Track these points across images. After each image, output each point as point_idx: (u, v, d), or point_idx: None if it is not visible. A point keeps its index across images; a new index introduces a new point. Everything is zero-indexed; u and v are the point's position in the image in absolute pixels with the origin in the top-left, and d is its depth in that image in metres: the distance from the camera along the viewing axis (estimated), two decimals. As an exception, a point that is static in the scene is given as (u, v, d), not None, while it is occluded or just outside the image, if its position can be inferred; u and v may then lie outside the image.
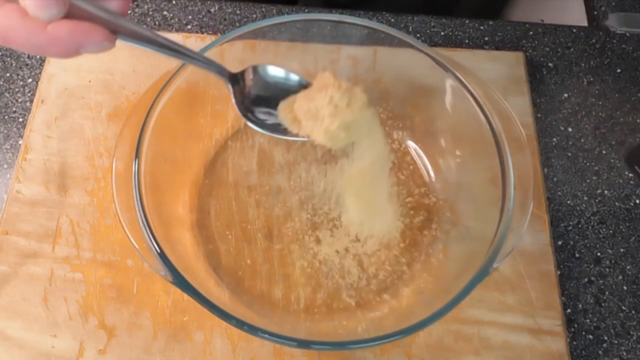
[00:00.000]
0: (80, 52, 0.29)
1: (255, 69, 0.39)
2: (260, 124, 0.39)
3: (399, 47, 0.48)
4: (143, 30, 0.32)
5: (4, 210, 0.50)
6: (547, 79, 0.59)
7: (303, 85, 0.39)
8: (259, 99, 0.38)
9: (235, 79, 0.38)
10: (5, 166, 0.53)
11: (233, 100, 0.37)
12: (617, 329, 0.47)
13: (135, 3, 0.62)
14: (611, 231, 0.51)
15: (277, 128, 0.39)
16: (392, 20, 0.62)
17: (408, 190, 0.51)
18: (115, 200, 0.41)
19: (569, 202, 0.52)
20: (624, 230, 0.51)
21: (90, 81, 0.56)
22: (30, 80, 0.57)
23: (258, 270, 0.47)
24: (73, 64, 0.56)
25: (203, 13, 0.62)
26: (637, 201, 0.52)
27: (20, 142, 0.54)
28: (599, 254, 0.50)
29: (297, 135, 0.39)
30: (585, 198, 0.52)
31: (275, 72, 0.39)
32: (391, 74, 0.52)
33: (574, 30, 0.62)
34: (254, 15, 0.61)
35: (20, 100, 0.56)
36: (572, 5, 0.69)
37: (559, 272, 0.49)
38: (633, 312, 0.48)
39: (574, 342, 0.46)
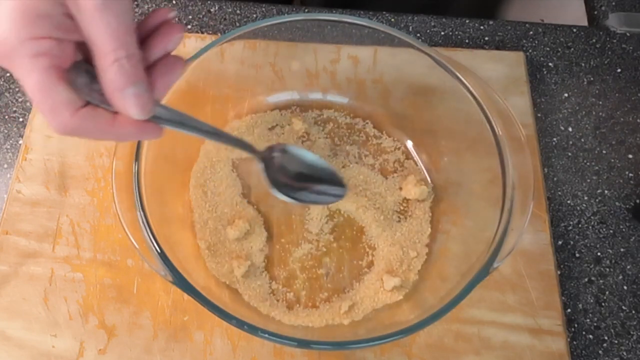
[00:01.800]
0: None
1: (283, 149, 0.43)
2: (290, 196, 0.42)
3: (399, 47, 0.48)
4: (185, 116, 0.35)
5: (4, 210, 0.50)
6: (547, 78, 0.59)
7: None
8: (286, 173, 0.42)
9: (265, 156, 0.41)
10: (6, 166, 0.53)
11: (264, 174, 0.41)
12: (617, 328, 0.47)
13: (135, 3, 0.62)
14: (611, 231, 0.51)
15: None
16: (392, 20, 0.62)
17: (408, 190, 0.51)
18: (115, 200, 0.41)
19: (569, 201, 0.52)
20: (624, 230, 0.51)
21: (90, 81, 0.56)
22: (30, 80, 0.57)
23: (258, 270, 0.47)
24: (73, 64, 0.56)
25: (203, 13, 0.62)
26: (637, 201, 0.52)
27: (20, 142, 0.54)
28: (599, 253, 0.50)
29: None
30: (586, 198, 0.52)
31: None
32: (391, 73, 0.52)
33: (574, 30, 0.62)
34: (254, 15, 0.61)
35: (20, 100, 0.56)
36: (572, 5, 0.70)
37: (559, 272, 0.49)
38: (633, 311, 0.48)
39: (574, 342, 0.46)
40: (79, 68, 0.31)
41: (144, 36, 0.33)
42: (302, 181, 0.42)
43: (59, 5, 0.28)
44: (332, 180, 0.43)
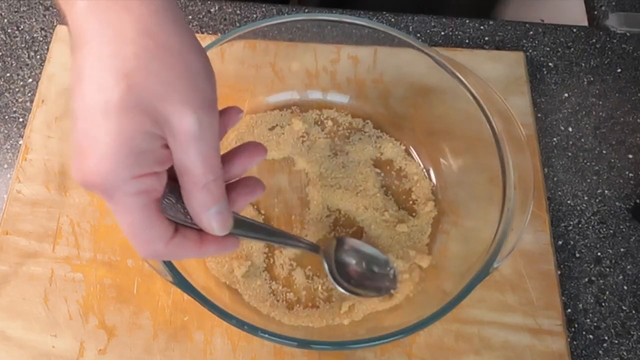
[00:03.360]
0: None
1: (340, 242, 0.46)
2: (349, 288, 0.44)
3: (399, 47, 0.48)
4: (256, 225, 0.38)
5: (4, 210, 0.50)
6: (547, 78, 0.59)
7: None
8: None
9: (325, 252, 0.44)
10: (6, 166, 0.53)
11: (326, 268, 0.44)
12: (617, 328, 0.47)
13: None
14: (611, 231, 0.51)
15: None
16: (392, 20, 0.62)
17: (408, 191, 0.51)
18: (115, 200, 0.41)
19: (569, 201, 0.52)
20: (624, 230, 0.51)
21: (90, 81, 0.56)
22: (30, 80, 0.57)
23: (258, 270, 0.47)
24: (73, 64, 0.56)
25: (203, 13, 0.62)
26: (638, 201, 0.52)
27: (20, 142, 0.54)
28: (599, 253, 0.50)
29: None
30: (586, 198, 0.52)
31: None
32: (391, 73, 0.52)
33: (574, 30, 0.62)
34: (254, 15, 0.61)
35: (20, 100, 0.56)
36: (572, 5, 0.70)
37: (559, 272, 0.49)
38: (633, 311, 0.48)
39: (574, 342, 0.46)
40: (165, 191, 0.31)
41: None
42: (358, 272, 0.45)
43: (158, 139, 0.28)
44: (383, 266, 0.46)
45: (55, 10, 0.61)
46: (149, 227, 0.29)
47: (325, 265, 0.43)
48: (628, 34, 0.61)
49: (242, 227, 0.35)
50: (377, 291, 0.45)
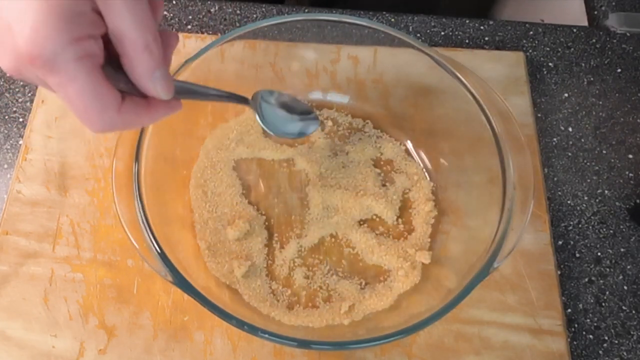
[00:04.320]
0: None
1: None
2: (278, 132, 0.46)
3: (399, 47, 0.48)
4: (194, 86, 0.38)
5: (4, 210, 0.50)
6: (547, 78, 0.59)
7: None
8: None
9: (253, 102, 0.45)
10: (6, 166, 0.53)
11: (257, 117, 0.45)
12: (617, 328, 0.47)
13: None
14: (611, 231, 0.51)
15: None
16: (392, 20, 0.62)
17: (407, 190, 0.51)
18: (115, 200, 0.41)
19: (569, 201, 0.52)
20: (624, 230, 0.51)
21: (90, 81, 0.56)
22: (30, 80, 0.57)
23: (258, 269, 0.47)
24: (73, 64, 0.56)
25: (203, 13, 0.62)
26: (638, 201, 0.52)
27: (20, 142, 0.54)
28: (599, 253, 0.50)
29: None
30: (586, 198, 0.52)
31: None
32: (391, 73, 0.52)
33: (574, 30, 0.62)
34: (254, 15, 0.61)
35: (20, 100, 0.56)
36: (572, 5, 0.70)
37: (559, 272, 0.49)
38: (633, 311, 0.48)
39: (575, 342, 0.46)
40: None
41: None
42: (287, 116, 0.47)
43: (88, 1, 0.27)
44: (307, 110, 0.49)
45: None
46: (99, 93, 0.29)
47: (256, 115, 0.45)
48: (628, 34, 0.61)
49: (180, 91, 0.35)
50: (302, 133, 0.48)
